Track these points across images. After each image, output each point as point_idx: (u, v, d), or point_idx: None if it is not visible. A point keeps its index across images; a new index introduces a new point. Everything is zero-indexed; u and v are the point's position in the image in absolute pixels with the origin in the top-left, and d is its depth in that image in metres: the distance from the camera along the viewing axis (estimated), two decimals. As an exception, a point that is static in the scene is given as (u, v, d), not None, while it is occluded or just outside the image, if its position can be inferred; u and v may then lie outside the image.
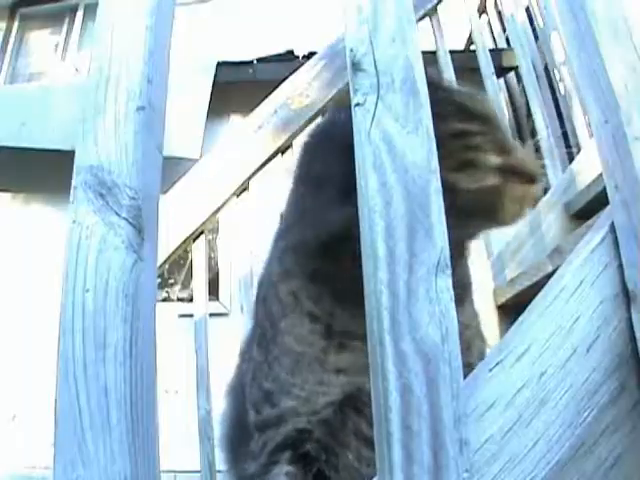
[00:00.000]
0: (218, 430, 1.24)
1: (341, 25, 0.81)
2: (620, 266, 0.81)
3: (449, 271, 0.66)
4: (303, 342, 1.05)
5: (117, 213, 0.71)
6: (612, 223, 0.83)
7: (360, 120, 0.71)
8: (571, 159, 2.59)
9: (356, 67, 0.74)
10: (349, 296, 0.93)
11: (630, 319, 0.79)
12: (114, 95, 0.78)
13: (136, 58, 0.81)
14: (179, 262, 4.52)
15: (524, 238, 2.12)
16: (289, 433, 1.01)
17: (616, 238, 0.82)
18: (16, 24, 6.75)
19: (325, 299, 1.04)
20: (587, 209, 1.92)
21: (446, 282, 0.65)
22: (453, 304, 0.65)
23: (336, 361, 1.02)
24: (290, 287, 1.08)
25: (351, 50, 0.75)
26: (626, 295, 0.79)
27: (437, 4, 2.36)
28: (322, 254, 1.00)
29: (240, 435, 1.14)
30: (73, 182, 0.74)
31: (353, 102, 0.73)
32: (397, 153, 0.69)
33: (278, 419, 1.03)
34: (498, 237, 2.24)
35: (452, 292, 0.65)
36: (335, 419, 1.00)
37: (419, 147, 0.69)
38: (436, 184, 0.68)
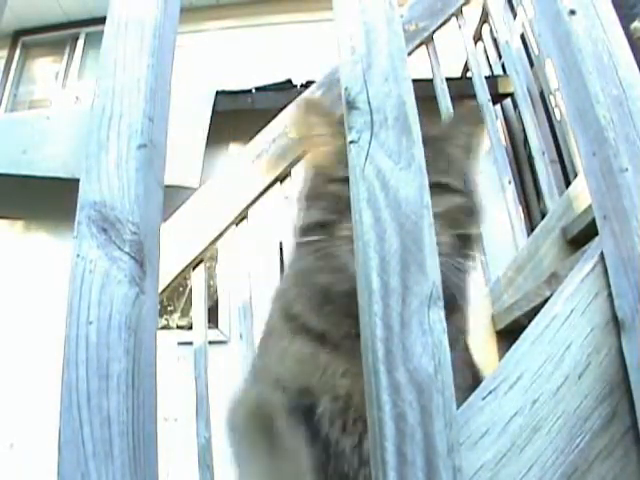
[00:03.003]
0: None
1: (338, 55, 0.83)
2: (610, 295, 0.83)
3: (441, 303, 0.67)
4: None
5: (120, 248, 0.73)
6: (601, 253, 0.85)
7: (354, 157, 0.73)
8: (567, 183, 2.60)
9: (350, 105, 0.76)
10: None
11: (620, 346, 0.80)
12: (116, 133, 0.80)
13: (138, 97, 0.83)
14: (178, 290, 4.52)
15: (522, 263, 2.11)
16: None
17: (606, 267, 0.84)
18: (18, 52, 6.81)
19: None
20: (584, 234, 1.91)
21: (439, 314, 0.67)
22: (446, 335, 0.67)
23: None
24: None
25: (346, 89, 0.78)
26: (616, 323, 0.81)
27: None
28: None
29: None
30: (77, 217, 0.76)
31: (348, 139, 0.75)
32: (390, 189, 0.71)
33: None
34: (496, 262, 2.24)
35: (444, 324, 0.67)
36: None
37: (412, 183, 0.71)
38: (429, 218, 0.70)
